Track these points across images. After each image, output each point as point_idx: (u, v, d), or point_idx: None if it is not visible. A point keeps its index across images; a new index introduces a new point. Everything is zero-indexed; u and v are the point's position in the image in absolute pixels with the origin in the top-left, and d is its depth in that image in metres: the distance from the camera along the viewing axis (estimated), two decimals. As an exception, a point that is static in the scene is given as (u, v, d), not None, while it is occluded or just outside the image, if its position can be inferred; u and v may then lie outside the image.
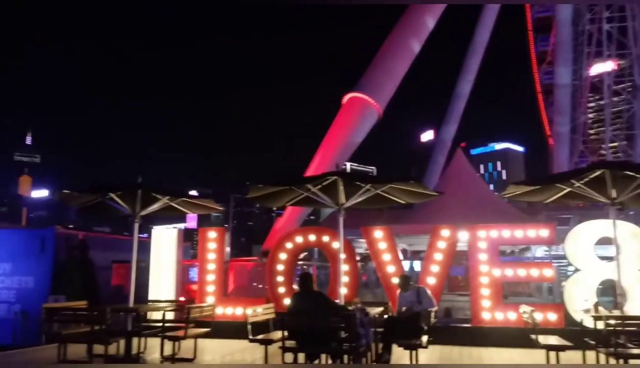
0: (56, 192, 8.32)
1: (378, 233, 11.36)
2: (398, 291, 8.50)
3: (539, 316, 8.28)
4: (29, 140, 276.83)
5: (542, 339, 7.44)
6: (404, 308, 7.95)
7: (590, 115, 58.32)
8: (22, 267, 13.52)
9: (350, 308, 7.43)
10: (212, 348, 9.65)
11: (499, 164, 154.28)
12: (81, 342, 8.28)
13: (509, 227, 10.84)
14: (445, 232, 10.99)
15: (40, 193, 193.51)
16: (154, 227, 13.47)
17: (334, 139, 22.19)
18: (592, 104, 59.13)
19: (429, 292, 8.05)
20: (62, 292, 12.96)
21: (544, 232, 10.59)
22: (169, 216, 11.77)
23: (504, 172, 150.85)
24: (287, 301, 11.17)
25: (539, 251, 22.27)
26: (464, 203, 17.93)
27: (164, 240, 12.40)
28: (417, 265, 26.66)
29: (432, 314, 7.59)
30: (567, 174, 8.63)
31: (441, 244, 10.98)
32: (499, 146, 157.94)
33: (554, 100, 57.10)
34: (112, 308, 7.98)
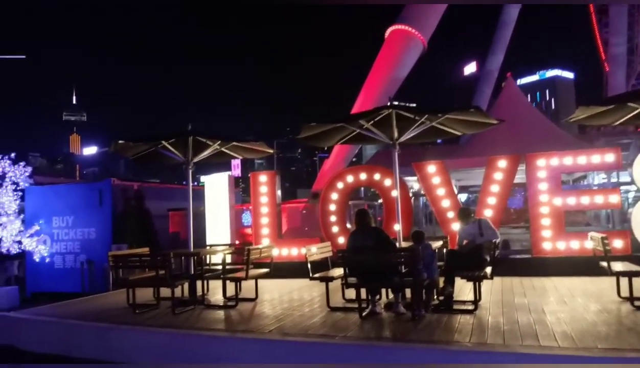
0: (111, 142, 8.40)
1: (431, 168, 11.07)
2: (458, 224, 8.30)
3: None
4: (74, 99, 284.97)
5: (612, 266, 7.15)
6: (465, 242, 7.77)
7: (649, 34, 54.32)
8: (83, 219, 14.04)
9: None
10: (272, 288, 9.84)
11: (547, 92, 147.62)
12: (148, 286, 8.58)
13: (572, 154, 10.32)
14: (502, 163, 10.60)
15: (90, 150, 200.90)
16: (202, 176, 13.62)
17: (378, 74, 21.46)
18: (650, 22, 54.85)
19: (490, 223, 7.81)
20: (123, 241, 13.45)
21: (610, 157, 10.03)
22: (215, 164, 11.82)
23: (552, 102, 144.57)
24: (341, 240, 11.24)
25: (597, 179, 21.42)
26: (518, 133, 17.25)
27: (216, 186, 12.56)
28: (463, 198, 26.33)
29: (496, 245, 7.38)
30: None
31: (498, 175, 10.63)
32: (546, 74, 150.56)
33: (609, 20, 53.32)
34: (175, 253, 8.17)
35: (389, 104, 7.23)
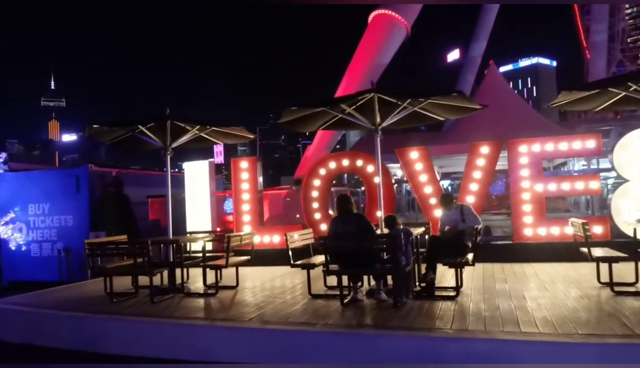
0: (85, 127, 8.14)
1: (414, 154, 11.01)
2: (440, 210, 8.24)
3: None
4: (52, 84, 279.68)
5: (592, 252, 7.17)
6: (447, 228, 7.72)
7: (630, 21, 54.84)
8: (60, 206, 13.73)
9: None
10: (253, 275, 9.73)
11: (529, 80, 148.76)
12: (125, 274, 8.41)
13: (553, 140, 10.32)
14: (484, 149, 10.58)
15: (69, 137, 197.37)
16: (184, 163, 13.37)
17: (361, 60, 21.16)
18: (630, 10, 55.39)
19: (472, 209, 7.76)
20: (102, 228, 13.20)
21: (591, 143, 10.05)
22: (197, 151, 11.67)
23: (534, 89, 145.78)
24: (323, 227, 11.14)
25: (577, 166, 21.65)
26: (500, 119, 17.26)
27: (197, 173, 12.35)
28: (445, 184, 26.39)
29: (478, 232, 7.33)
30: (623, 76, 7.98)
31: (480, 162, 10.60)
32: (528, 62, 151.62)
33: (591, 8, 53.64)
34: (152, 240, 7.99)
35: (371, 87, 7.09)
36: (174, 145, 8.97)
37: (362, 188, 24.05)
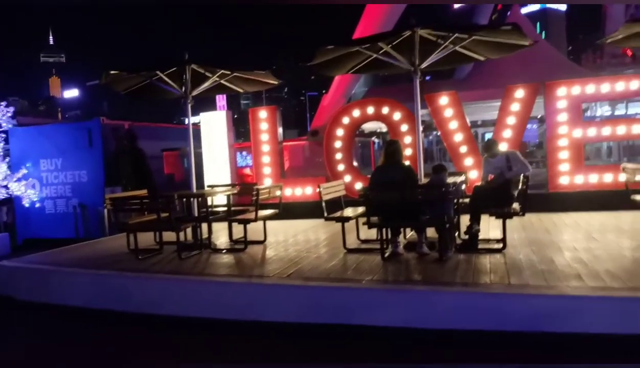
0: (102, 74, 7.55)
1: (443, 99, 10.42)
2: (483, 158, 7.71)
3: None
4: (51, 40, 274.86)
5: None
6: (490, 176, 7.23)
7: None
8: (73, 161, 13.29)
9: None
10: (276, 230, 9.35)
11: (538, 25, 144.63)
12: (150, 230, 8.00)
13: (594, 81, 9.71)
14: (519, 93, 9.98)
15: (71, 92, 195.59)
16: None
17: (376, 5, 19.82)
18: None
19: (520, 155, 7.21)
20: (117, 183, 12.81)
21: (635, 84, 9.45)
22: (200, 103, 11.09)
23: (543, 34, 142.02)
24: (347, 178, 10.71)
25: (599, 111, 20.92)
26: (527, 64, 16.40)
27: (214, 124, 11.81)
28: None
29: (528, 179, 6.80)
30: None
31: (515, 107, 10.03)
32: (536, 7, 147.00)
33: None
34: (179, 194, 7.57)
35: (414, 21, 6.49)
36: (194, 93, 8.42)
37: (374, 138, 23.49)
